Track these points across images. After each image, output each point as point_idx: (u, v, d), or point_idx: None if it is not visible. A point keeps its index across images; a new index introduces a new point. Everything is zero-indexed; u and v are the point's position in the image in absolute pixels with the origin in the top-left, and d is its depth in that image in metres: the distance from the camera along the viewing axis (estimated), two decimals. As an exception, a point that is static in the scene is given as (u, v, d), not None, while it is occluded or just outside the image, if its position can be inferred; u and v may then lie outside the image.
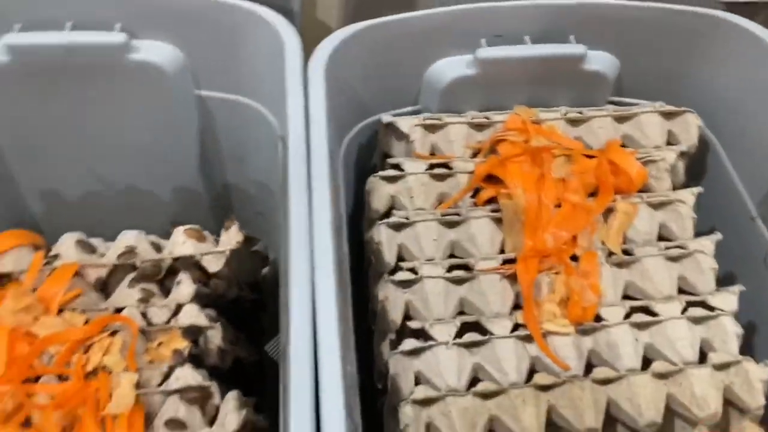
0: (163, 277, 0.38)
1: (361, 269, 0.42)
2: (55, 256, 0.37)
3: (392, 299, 0.37)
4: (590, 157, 0.42)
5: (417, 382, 0.34)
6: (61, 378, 0.32)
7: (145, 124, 0.48)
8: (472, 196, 0.41)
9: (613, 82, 0.46)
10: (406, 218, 0.39)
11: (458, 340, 0.35)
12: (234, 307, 0.42)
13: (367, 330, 0.40)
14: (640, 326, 0.36)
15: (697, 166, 0.47)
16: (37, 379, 0.32)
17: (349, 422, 0.26)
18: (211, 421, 0.33)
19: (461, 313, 0.37)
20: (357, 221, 0.45)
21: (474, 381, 0.35)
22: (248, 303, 0.46)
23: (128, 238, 0.38)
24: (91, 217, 0.48)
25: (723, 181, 0.44)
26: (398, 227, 0.39)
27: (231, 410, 0.32)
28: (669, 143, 0.44)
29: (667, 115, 0.44)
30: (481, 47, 0.43)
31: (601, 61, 0.45)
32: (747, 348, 0.39)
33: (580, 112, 0.44)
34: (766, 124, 0.42)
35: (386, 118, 0.44)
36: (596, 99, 0.47)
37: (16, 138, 0.47)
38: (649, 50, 0.45)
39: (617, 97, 0.48)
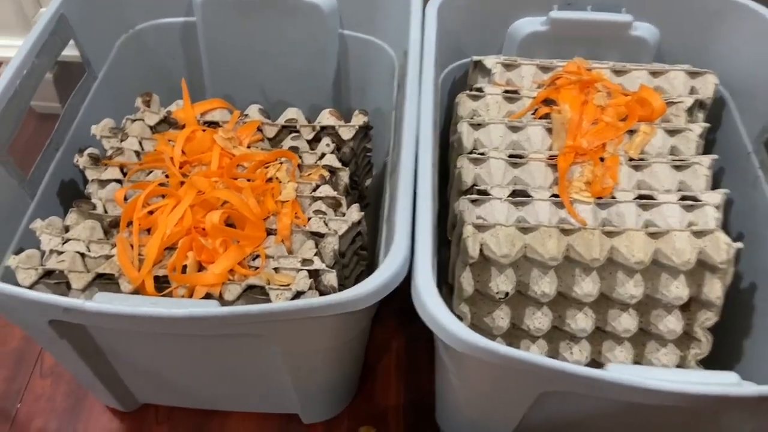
0: (311, 140, 0.55)
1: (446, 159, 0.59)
2: (246, 115, 0.55)
3: (466, 169, 0.52)
4: (626, 96, 0.56)
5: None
6: (249, 181, 0.50)
7: (301, 52, 0.66)
8: (532, 114, 0.56)
9: (653, 48, 0.60)
10: (482, 121, 0.55)
11: (509, 199, 0.50)
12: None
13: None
14: (644, 207, 0.50)
15: (716, 119, 0.60)
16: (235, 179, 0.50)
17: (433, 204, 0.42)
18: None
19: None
20: (445, 135, 0.61)
21: (517, 227, 0.50)
22: (357, 194, 0.62)
23: (291, 111, 0.56)
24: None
25: (730, 126, 0.58)
26: (476, 126, 0.55)
27: (354, 210, 0.49)
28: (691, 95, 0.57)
29: (692, 74, 0.58)
30: (554, 10, 0.59)
31: (644, 30, 0.59)
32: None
33: (624, 66, 0.59)
34: (763, 84, 0.54)
35: (476, 57, 0.60)
36: (640, 61, 0.61)
37: (214, 55, 0.66)
38: (683, 24, 0.59)
39: (657, 62, 0.62)
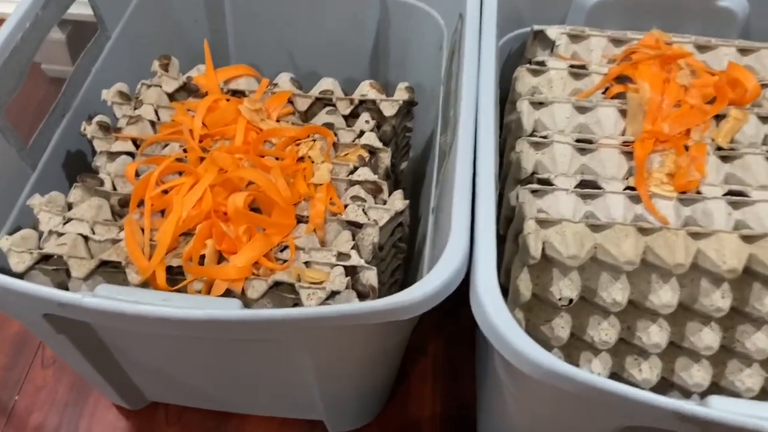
0: (348, 116, 0.49)
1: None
2: (275, 85, 0.49)
3: (525, 154, 0.46)
4: (712, 75, 0.48)
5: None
6: (278, 159, 0.44)
7: (337, 18, 0.59)
8: (603, 93, 0.49)
9: (741, 22, 0.53)
10: (545, 99, 0.48)
11: (576, 190, 0.43)
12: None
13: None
14: (735, 204, 0.43)
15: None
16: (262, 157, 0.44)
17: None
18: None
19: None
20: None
21: (585, 224, 0.43)
22: (394, 178, 0.56)
23: (327, 82, 0.49)
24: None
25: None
26: (537, 105, 0.48)
27: (397, 198, 0.42)
28: (786, 77, 0.50)
29: (788, 53, 0.50)
30: (629, -25, 0.51)
31: (733, 0, 0.51)
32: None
33: (709, 41, 0.51)
34: None
35: (537, 26, 0.53)
36: (723, 36, 0.53)
37: (241, 17, 0.60)
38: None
39: (743, 39, 0.54)
